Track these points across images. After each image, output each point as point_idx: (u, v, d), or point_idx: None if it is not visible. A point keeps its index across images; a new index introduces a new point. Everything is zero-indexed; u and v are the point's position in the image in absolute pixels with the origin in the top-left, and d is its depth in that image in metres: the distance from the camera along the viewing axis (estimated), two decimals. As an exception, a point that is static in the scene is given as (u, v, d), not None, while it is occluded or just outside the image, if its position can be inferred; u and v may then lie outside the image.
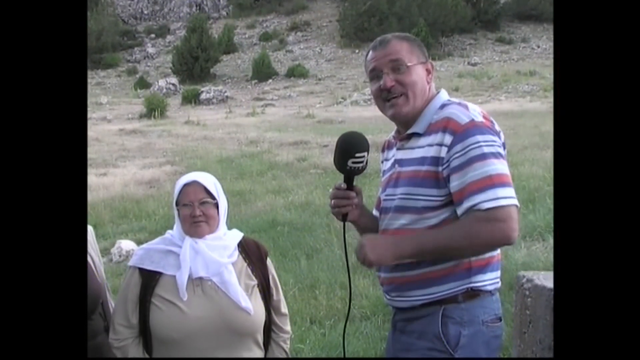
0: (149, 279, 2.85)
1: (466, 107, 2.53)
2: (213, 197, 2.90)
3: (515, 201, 2.38)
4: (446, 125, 2.48)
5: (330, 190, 2.75)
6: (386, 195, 2.69)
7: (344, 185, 2.69)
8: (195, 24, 54.69)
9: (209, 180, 2.93)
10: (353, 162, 2.56)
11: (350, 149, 2.57)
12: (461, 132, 2.44)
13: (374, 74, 2.65)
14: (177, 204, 2.90)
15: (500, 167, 2.41)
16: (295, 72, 50.07)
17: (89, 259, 3.00)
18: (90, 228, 3.14)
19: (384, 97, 2.62)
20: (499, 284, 2.63)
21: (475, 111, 2.50)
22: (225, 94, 41.99)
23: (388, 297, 2.70)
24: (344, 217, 2.71)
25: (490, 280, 2.55)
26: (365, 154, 2.56)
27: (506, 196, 2.36)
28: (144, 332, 2.85)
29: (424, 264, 2.52)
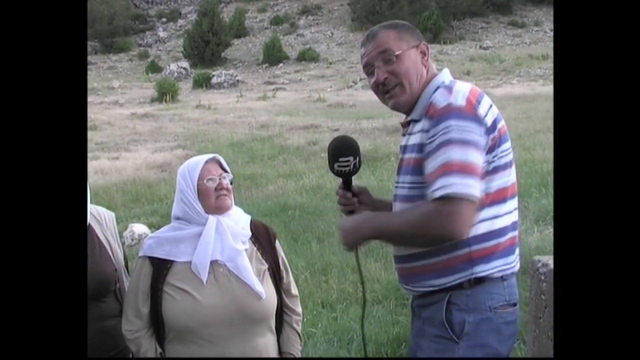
0: (160, 268, 2.83)
1: (450, 89, 2.44)
2: (228, 172, 2.96)
3: (472, 192, 2.27)
4: (428, 111, 2.44)
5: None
6: (395, 182, 2.66)
7: (341, 186, 2.80)
8: (207, 8, 54.68)
9: (222, 158, 3.00)
10: (339, 166, 2.69)
11: (335, 153, 2.69)
12: (436, 116, 2.38)
13: (368, 69, 2.62)
14: (197, 181, 2.88)
15: (465, 154, 2.29)
16: (306, 56, 49.98)
17: (105, 242, 2.99)
18: (111, 214, 3.16)
19: (381, 91, 2.60)
20: (515, 268, 2.55)
21: (459, 93, 2.41)
22: (237, 78, 42.02)
23: (404, 286, 2.68)
24: (350, 213, 2.80)
25: (498, 267, 2.46)
26: (351, 158, 2.66)
27: (461, 184, 2.26)
28: (156, 321, 2.84)
29: (427, 255, 2.48)
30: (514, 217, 2.53)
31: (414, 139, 2.51)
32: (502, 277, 2.48)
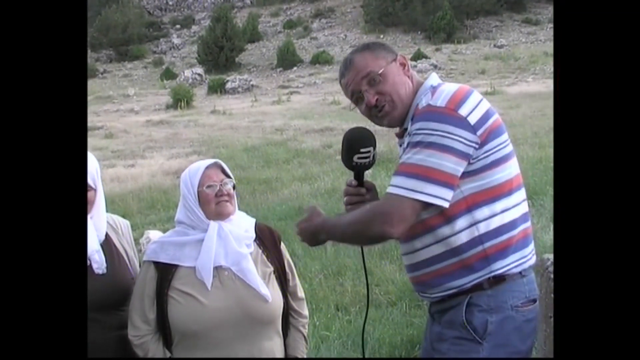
0: (165, 273, 2.83)
1: (434, 90, 2.45)
2: (230, 177, 2.94)
3: (417, 196, 2.27)
4: (414, 114, 2.46)
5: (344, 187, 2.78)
6: None
7: (354, 182, 2.71)
8: (220, 14, 54.92)
9: (223, 163, 2.98)
10: (359, 158, 2.59)
11: (354, 144, 2.60)
12: (417, 115, 2.41)
13: (355, 97, 2.60)
14: (198, 188, 2.88)
15: (433, 160, 2.29)
16: (320, 59, 49.98)
17: (122, 252, 3.00)
18: (126, 222, 3.16)
19: (374, 113, 2.59)
20: (532, 261, 2.53)
21: (442, 94, 2.40)
22: (251, 83, 42.09)
23: (420, 294, 2.67)
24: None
25: (515, 262, 2.45)
26: (371, 148, 2.59)
27: (414, 189, 2.27)
28: (163, 326, 2.84)
29: (440, 258, 2.47)
30: (523, 209, 2.52)
31: (405, 145, 2.51)
32: (520, 272, 2.47)
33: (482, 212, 2.40)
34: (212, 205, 2.87)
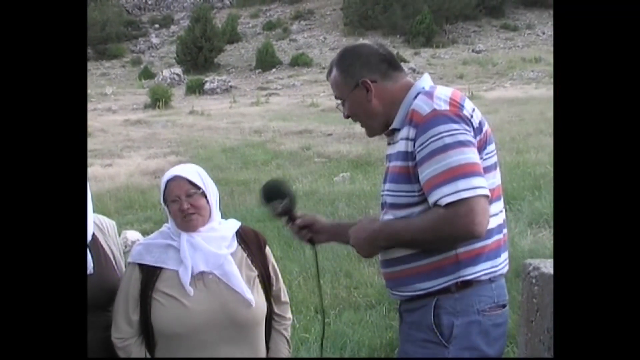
0: (150, 275, 2.82)
1: (431, 95, 2.44)
2: (198, 187, 2.84)
3: (481, 191, 2.29)
4: (411, 118, 2.43)
5: None
6: (381, 191, 2.66)
7: (286, 224, 2.89)
8: (199, 14, 54.77)
9: (192, 171, 2.87)
10: (274, 208, 2.80)
11: (261, 198, 2.81)
12: (423, 123, 2.37)
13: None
14: (165, 201, 2.87)
15: (463, 156, 2.31)
16: (299, 61, 49.99)
17: (109, 252, 2.98)
18: (112, 222, 3.14)
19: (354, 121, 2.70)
20: (504, 270, 2.55)
21: (441, 98, 2.41)
22: (230, 84, 42.00)
23: (390, 291, 2.67)
24: (311, 243, 2.89)
25: (485, 270, 2.45)
26: (276, 202, 2.77)
27: (468, 187, 2.27)
28: (146, 328, 2.82)
29: (414, 258, 2.47)
30: (500, 219, 2.53)
31: (398, 147, 2.50)
32: (490, 279, 2.48)
33: None
34: (179, 220, 2.84)
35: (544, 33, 54.81)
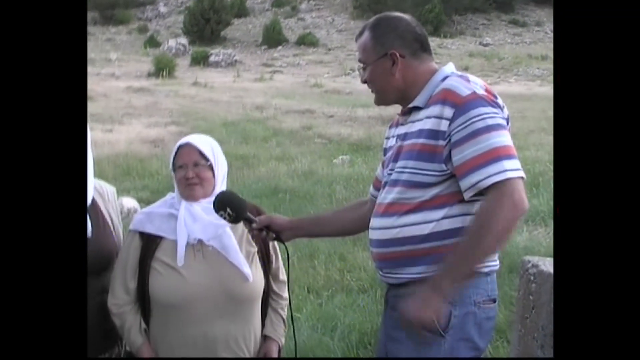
0: (150, 243, 2.82)
1: (467, 79, 2.46)
2: (207, 159, 2.84)
3: (521, 173, 2.32)
4: (445, 97, 2.42)
5: None
6: (389, 170, 2.63)
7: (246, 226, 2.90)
8: (209, -15, 54.34)
9: (205, 142, 2.88)
10: (222, 215, 2.77)
11: (219, 205, 2.75)
12: (463, 104, 2.37)
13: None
14: (173, 167, 2.87)
15: (505, 139, 2.34)
16: (306, 41, 49.74)
17: (107, 218, 2.98)
18: (113, 189, 3.15)
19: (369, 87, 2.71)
20: (497, 267, 2.56)
21: (477, 84, 2.44)
22: (234, 58, 41.84)
23: (380, 273, 2.64)
24: (277, 240, 2.90)
25: (485, 262, 2.45)
26: (222, 212, 2.74)
27: (512, 168, 2.29)
28: (143, 296, 2.83)
29: (413, 240, 2.46)
30: None
31: (419, 125, 2.49)
32: (486, 272, 2.48)
33: (475, 206, 2.40)
34: (182, 187, 2.84)
35: (552, 31, 54.57)
